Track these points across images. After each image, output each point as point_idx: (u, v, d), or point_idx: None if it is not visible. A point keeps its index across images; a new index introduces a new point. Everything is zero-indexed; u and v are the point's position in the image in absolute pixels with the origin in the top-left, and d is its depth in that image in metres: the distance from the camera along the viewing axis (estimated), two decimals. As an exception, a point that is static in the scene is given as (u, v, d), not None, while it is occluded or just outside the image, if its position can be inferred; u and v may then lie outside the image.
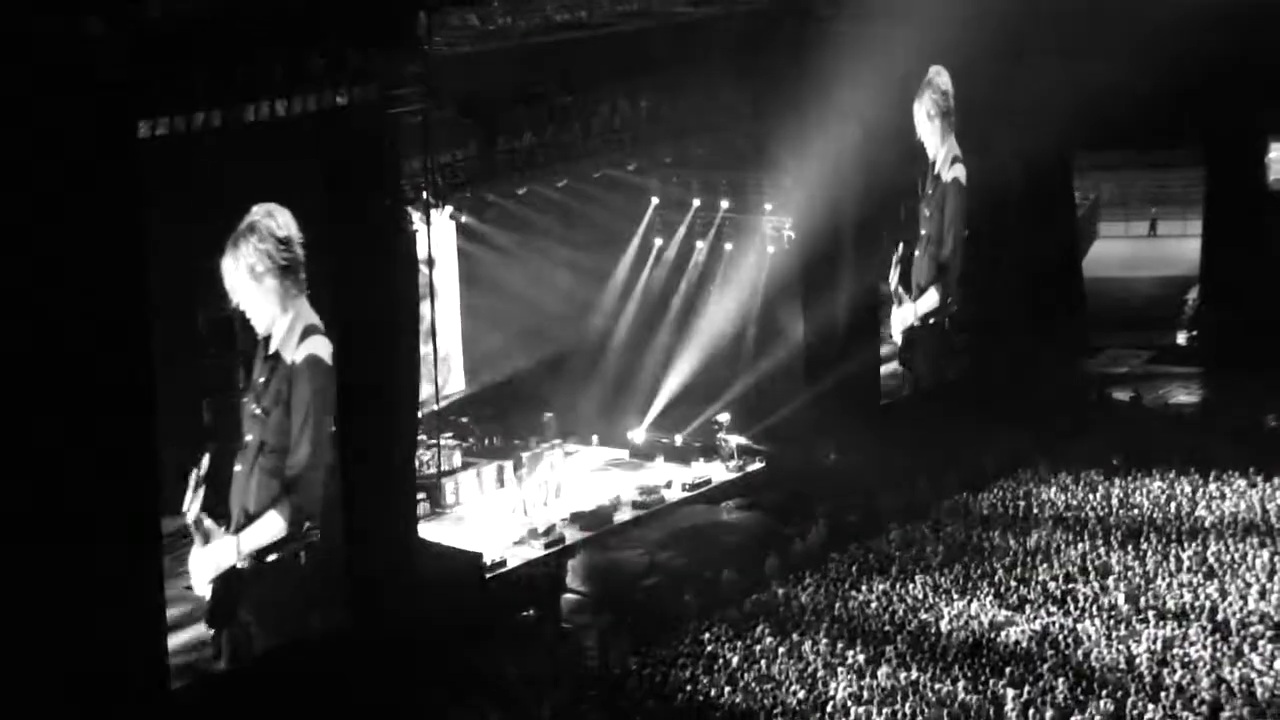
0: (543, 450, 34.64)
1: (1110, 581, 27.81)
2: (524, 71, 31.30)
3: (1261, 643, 24.71)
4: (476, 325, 36.11)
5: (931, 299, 38.89)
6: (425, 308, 30.37)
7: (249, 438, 25.26)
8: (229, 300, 24.86)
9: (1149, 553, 28.98)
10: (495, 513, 33.11)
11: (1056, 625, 25.99)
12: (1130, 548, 29.32)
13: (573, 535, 31.97)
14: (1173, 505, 31.50)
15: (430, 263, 30.48)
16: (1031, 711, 22.71)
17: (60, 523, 22.20)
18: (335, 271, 26.06)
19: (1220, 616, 25.80)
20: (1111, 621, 26.06)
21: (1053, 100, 39.06)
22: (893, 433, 36.07)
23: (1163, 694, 23.08)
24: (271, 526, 25.57)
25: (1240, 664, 23.99)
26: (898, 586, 28.22)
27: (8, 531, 21.95)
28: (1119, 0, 39.38)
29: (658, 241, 37.93)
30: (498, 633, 27.84)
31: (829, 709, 23.40)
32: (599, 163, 34.30)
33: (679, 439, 36.33)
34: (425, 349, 30.29)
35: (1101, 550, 29.31)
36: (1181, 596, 26.75)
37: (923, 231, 38.47)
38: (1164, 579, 27.70)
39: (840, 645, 25.75)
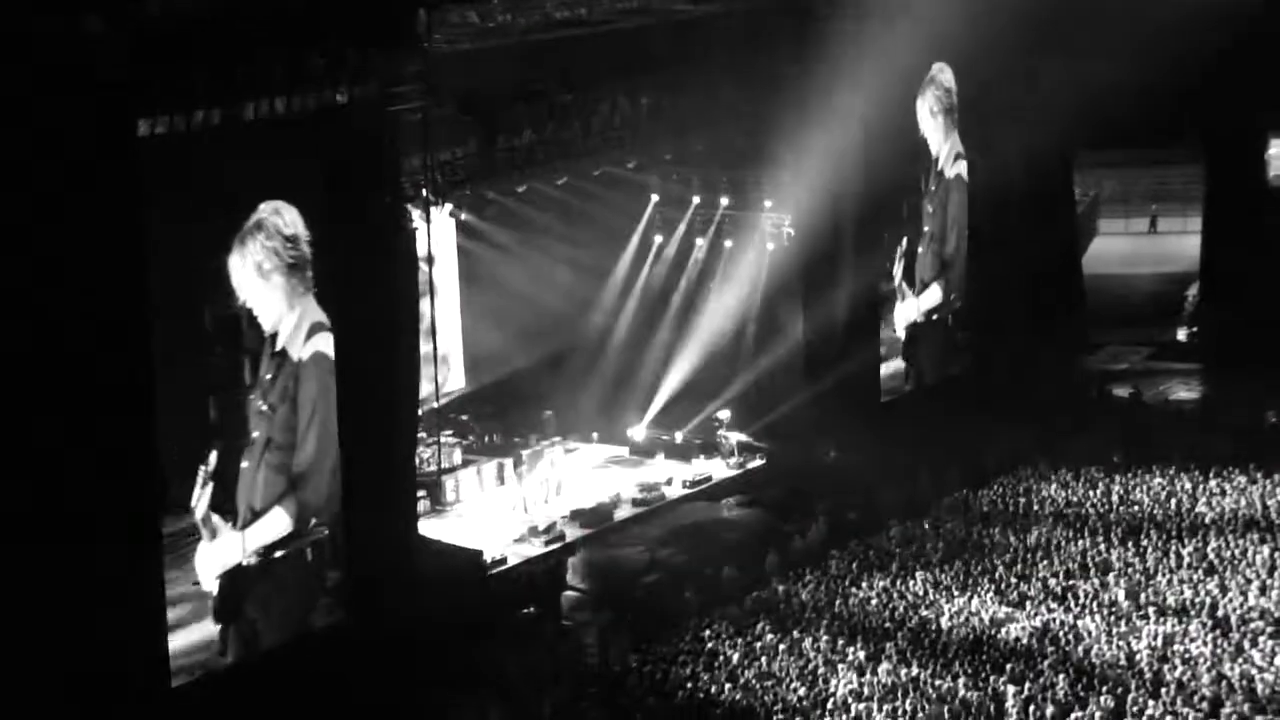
0: (543, 448, 34.65)
1: (1111, 578, 27.82)
2: (524, 69, 31.29)
3: (1262, 639, 24.70)
4: (476, 323, 36.11)
5: (935, 295, 38.93)
6: (425, 305, 30.39)
7: (255, 434, 25.28)
8: (236, 298, 24.88)
9: (1149, 549, 28.99)
10: (495, 510, 33.12)
11: (1057, 622, 26.00)
12: (1131, 544, 29.33)
13: (573, 532, 31.96)
14: (1173, 502, 31.51)
15: (430, 260, 30.49)
16: (1032, 708, 22.70)
17: (60, 523, 22.18)
18: (335, 269, 26.06)
19: (1221, 613, 25.80)
20: (1112, 618, 26.06)
21: (1053, 97, 39.10)
22: (893, 430, 36.08)
23: (1163, 690, 23.08)
24: (278, 523, 25.60)
25: (1241, 660, 23.98)
26: (898, 583, 28.24)
27: (8, 531, 21.94)
28: (1120, -2, 39.47)
29: (658, 239, 37.92)
30: (498, 630, 27.85)
31: (829, 706, 23.40)
32: (599, 160, 34.29)
33: (679, 436, 36.33)
34: (425, 347, 30.31)
35: (1102, 547, 29.31)
36: (1182, 593, 26.75)
37: (926, 228, 38.53)
38: (1164, 575, 27.72)
39: (841, 642, 25.76)
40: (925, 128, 38.02)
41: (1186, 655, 24.30)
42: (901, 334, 38.32)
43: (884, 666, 24.61)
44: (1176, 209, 52.72)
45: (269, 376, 25.40)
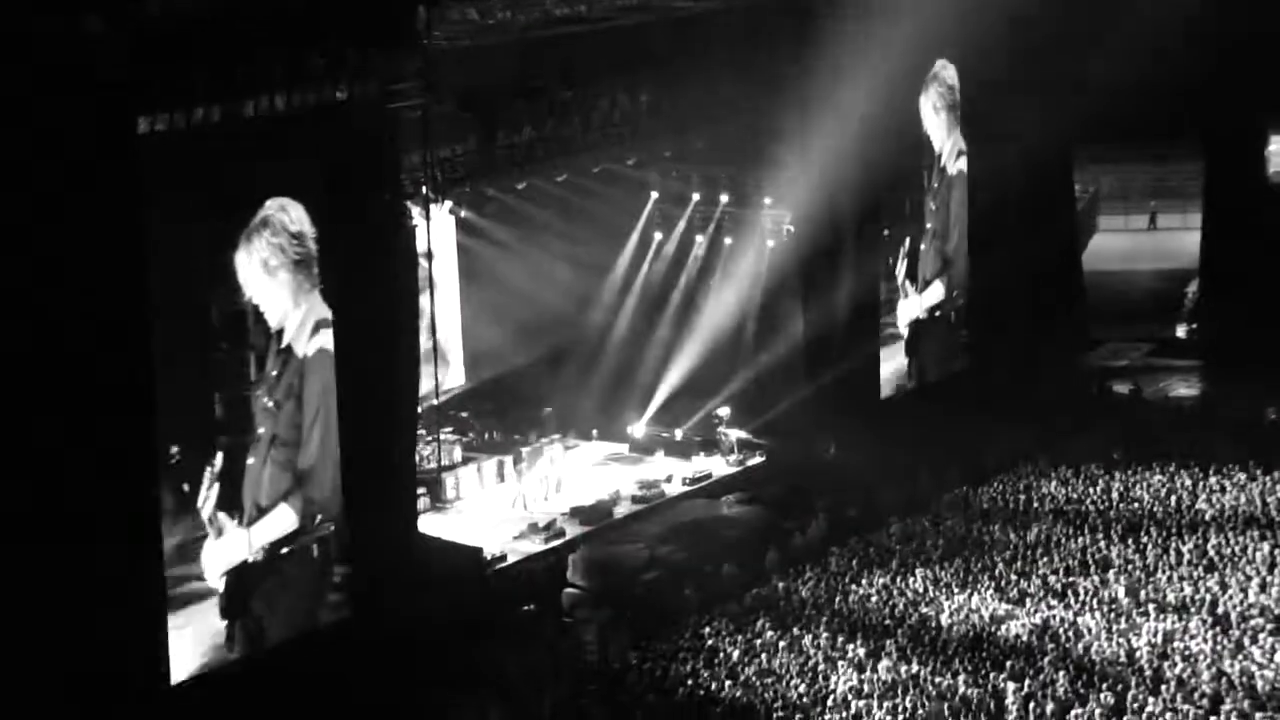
0: (542, 445, 34.66)
1: (1111, 575, 27.83)
2: (523, 66, 31.28)
3: (1262, 636, 24.71)
4: (476, 320, 36.12)
5: (937, 291, 38.96)
6: (425, 302, 30.38)
7: (261, 431, 25.31)
8: (242, 294, 24.90)
9: (1149, 546, 29.00)
10: (495, 507, 33.12)
11: (1057, 619, 26.00)
12: (1131, 541, 29.34)
13: (573, 530, 31.97)
14: (1173, 499, 31.51)
15: (429, 255, 30.48)
16: (1032, 705, 22.71)
17: (60, 523, 22.18)
18: (335, 267, 26.05)
19: (1220, 610, 25.81)
20: (1112, 615, 26.06)
21: (1053, 94, 39.08)
22: (893, 427, 36.07)
23: (1163, 687, 23.08)
24: (283, 520, 25.63)
25: (1241, 657, 23.98)
26: (898, 580, 28.24)
27: (8, 531, 21.93)
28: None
29: (657, 236, 37.89)
30: (498, 627, 27.84)
31: (829, 703, 23.41)
32: (599, 157, 34.27)
33: (679, 433, 36.34)
34: (425, 344, 30.30)
35: (1102, 544, 29.33)
36: (1182, 590, 26.75)
37: (929, 225, 38.57)
38: (1164, 572, 27.72)
39: (841, 639, 25.77)
40: (928, 124, 38.08)
41: (1186, 652, 24.31)
42: (904, 331, 38.33)
43: (884, 663, 24.62)
44: (1176, 205, 52.72)
45: (274, 373, 25.43)
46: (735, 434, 35.75)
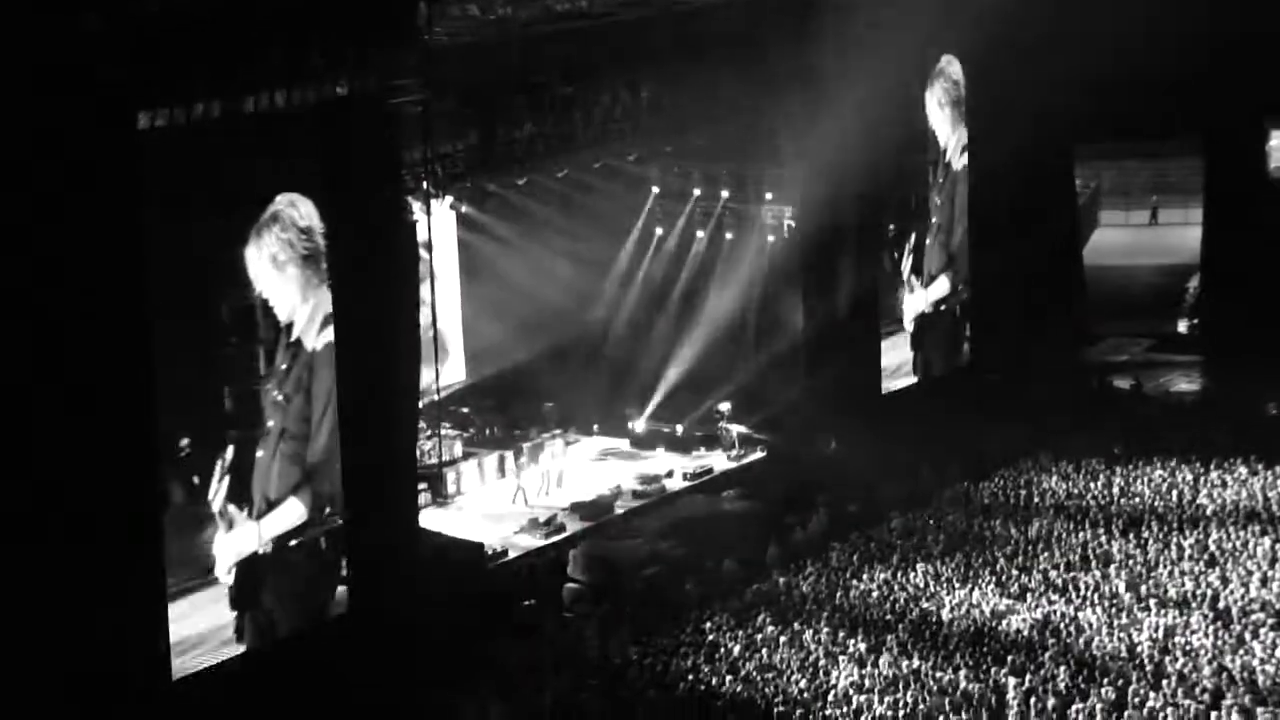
0: (543, 440, 34.70)
1: (1112, 570, 27.83)
2: (524, 62, 31.24)
3: (1263, 631, 24.69)
4: (477, 315, 36.14)
5: (942, 286, 39.01)
6: (425, 292, 30.39)
7: (270, 424, 25.40)
8: (252, 289, 24.96)
9: (1150, 541, 28.99)
10: (496, 502, 33.14)
11: (1058, 614, 25.99)
12: (1132, 536, 29.34)
13: (573, 525, 32.00)
14: (1174, 493, 31.51)
15: (429, 246, 30.50)
16: (1033, 700, 22.71)
17: (60, 523, 22.18)
18: (336, 263, 26.06)
19: (1222, 604, 25.80)
20: (1113, 610, 26.06)
21: (1054, 89, 39.06)
22: (894, 422, 36.08)
23: (1164, 682, 23.07)
24: (292, 512, 25.71)
25: (1242, 652, 23.97)
26: (899, 575, 28.24)
27: (8, 531, 21.93)
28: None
29: (658, 231, 37.91)
30: (499, 622, 27.86)
31: (830, 698, 23.39)
32: (599, 153, 34.28)
33: (680, 428, 36.34)
34: (425, 339, 30.30)
35: (1103, 539, 29.33)
36: (1183, 585, 26.75)
37: (934, 219, 38.61)
38: (1165, 567, 27.71)
39: (842, 634, 25.77)
40: (933, 120, 38.16)
41: (1188, 647, 24.30)
42: (910, 325, 38.39)
43: (885, 658, 24.61)
44: (1177, 201, 52.61)
45: (284, 367, 25.53)
46: (736, 429, 35.76)
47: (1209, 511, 30.39)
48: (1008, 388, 38.81)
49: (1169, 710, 22.13)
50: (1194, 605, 25.92)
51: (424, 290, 30.32)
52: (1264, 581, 26.67)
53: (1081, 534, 29.64)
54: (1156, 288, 48.06)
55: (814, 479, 33.95)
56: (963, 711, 22.62)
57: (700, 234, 37.68)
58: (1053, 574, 27.81)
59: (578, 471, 34.79)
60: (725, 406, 36.21)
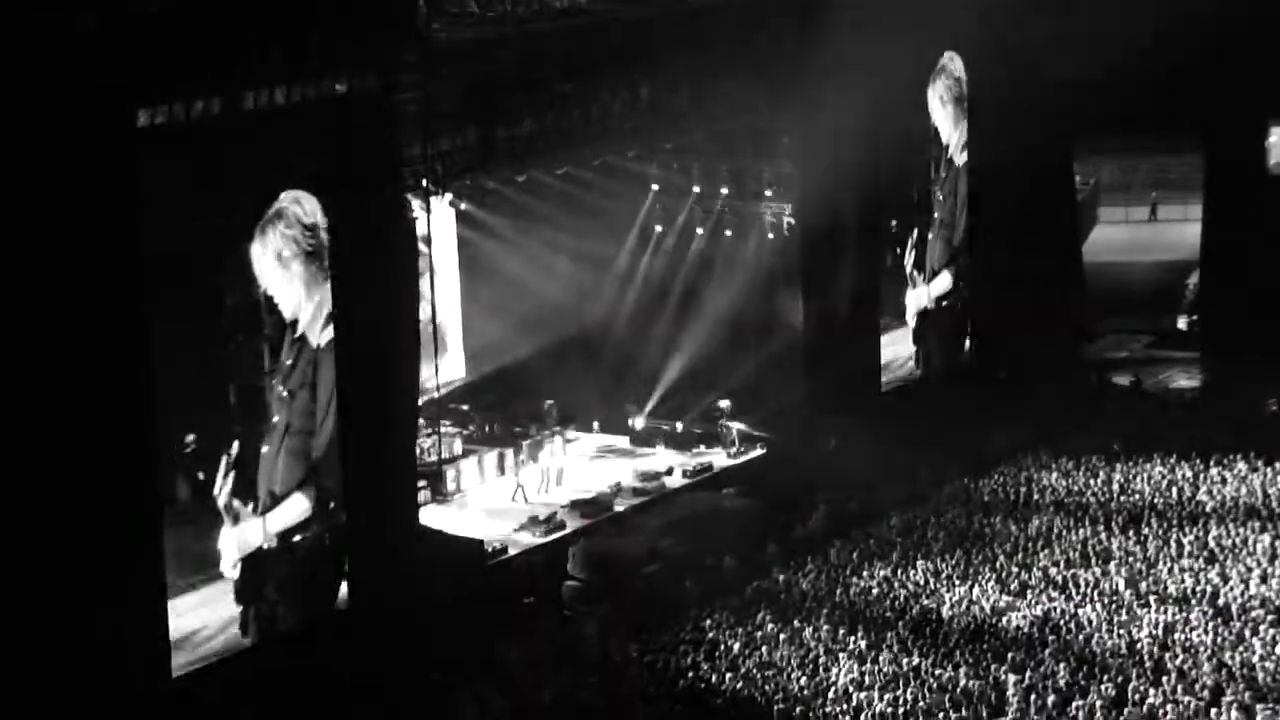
0: (543, 437, 34.69)
1: (1112, 567, 27.83)
2: (524, 59, 31.21)
3: (1263, 627, 24.70)
4: (476, 312, 36.11)
5: (945, 281, 39.06)
6: (424, 286, 30.38)
7: (276, 420, 25.48)
8: (257, 285, 25.02)
9: (1150, 538, 29.01)
10: (496, 500, 33.13)
11: (1058, 610, 26.00)
12: (1131, 533, 29.35)
13: (573, 522, 31.98)
14: (1174, 490, 31.52)
15: (428, 240, 30.51)
16: (1033, 697, 22.72)
17: (60, 523, 22.18)
18: (336, 260, 26.07)
19: (1221, 601, 25.81)
20: (1113, 607, 26.07)
21: (1054, 86, 39.07)
22: (894, 419, 36.08)
23: (1164, 679, 23.07)
24: (297, 507, 25.82)
25: (1242, 649, 23.99)
26: (899, 572, 28.24)
27: (8, 531, 21.93)
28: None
29: (658, 229, 37.89)
30: (498, 620, 27.85)
31: (830, 695, 23.40)
32: (599, 150, 34.20)
33: (679, 426, 36.34)
34: (425, 336, 30.29)
35: (1103, 535, 29.33)
36: (1183, 581, 26.75)
37: (936, 215, 38.67)
38: (1165, 564, 27.72)
39: (841, 631, 25.78)
40: (936, 116, 38.24)
41: (1187, 644, 24.31)
42: (912, 321, 38.42)
43: (885, 655, 24.62)
44: (1177, 197, 52.70)
45: (289, 363, 25.65)
46: (736, 426, 35.75)
47: (1209, 508, 30.40)
48: (1008, 384, 38.84)
49: (1169, 707, 22.15)
50: (1194, 602, 25.94)
51: (423, 285, 30.32)
52: (1264, 578, 26.69)
53: (1081, 531, 29.65)
54: (1156, 284, 48.08)
55: (814, 476, 33.93)
56: (963, 708, 22.62)
57: (700, 231, 37.67)
58: (1053, 571, 27.82)
59: (577, 469, 34.79)
60: (725, 404, 36.21)
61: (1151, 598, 26.27)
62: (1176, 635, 24.64)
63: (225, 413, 24.86)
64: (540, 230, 36.17)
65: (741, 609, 27.17)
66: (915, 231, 38.18)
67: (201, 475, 24.43)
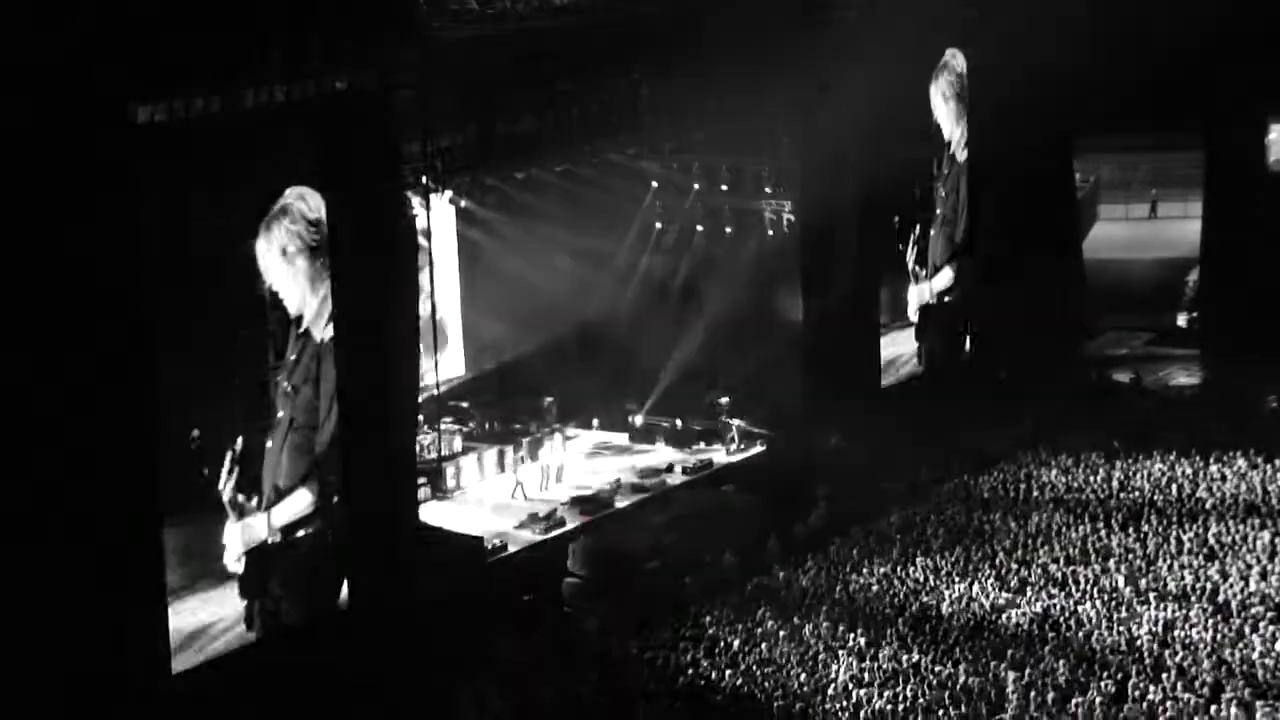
0: (543, 434, 34.69)
1: (1111, 564, 27.83)
2: (524, 56, 31.22)
3: (1263, 624, 24.70)
4: (476, 309, 36.10)
5: (946, 277, 39.10)
6: (424, 280, 30.40)
7: (280, 415, 25.55)
8: (261, 281, 25.07)
9: (1150, 535, 29.00)
10: (496, 497, 33.14)
11: (1057, 607, 26.00)
12: (1131, 530, 29.34)
13: (573, 519, 31.98)
14: (1173, 487, 31.50)
15: (427, 233, 30.52)
16: (1033, 693, 22.72)
17: (60, 523, 22.18)
18: (336, 256, 26.08)
19: (1221, 598, 25.80)
20: (1112, 603, 26.07)
21: (1054, 82, 39.07)
22: (894, 415, 36.09)
23: (1164, 675, 23.07)
24: (300, 502, 25.88)
25: (1241, 645, 23.99)
26: (899, 569, 28.24)
27: (8, 531, 21.93)
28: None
29: (658, 225, 37.89)
30: (498, 617, 27.86)
31: (830, 692, 23.41)
32: (599, 147, 34.24)
33: (679, 423, 36.34)
34: (425, 333, 30.31)
35: (1102, 532, 29.32)
36: (1182, 578, 26.74)
37: (938, 211, 38.72)
38: (1165, 561, 27.71)
39: (841, 628, 25.78)
40: (938, 113, 38.30)
41: (1187, 640, 24.30)
42: (914, 316, 38.44)
43: (885, 652, 24.63)
44: (1177, 194, 52.66)
45: (293, 358, 25.71)
46: (736, 423, 35.76)
47: (1208, 505, 30.39)
48: (1007, 381, 38.85)
49: (1168, 704, 22.16)
50: (1193, 599, 25.92)
51: (423, 282, 30.34)
52: (1263, 575, 26.67)
53: (1081, 528, 29.64)
54: (1156, 281, 48.08)
55: (814, 473, 33.94)
56: (962, 705, 22.63)
57: (700, 228, 37.66)
58: (1052, 568, 27.81)
59: (577, 466, 34.79)
60: (725, 400, 36.21)
61: (1151, 594, 26.26)
62: (1176, 632, 24.64)
63: (230, 408, 24.93)
64: (540, 227, 36.13)
65: (741, 606, 27.17)
66: (917, 228, 38.23)
67: (206, 470, 24.48)
